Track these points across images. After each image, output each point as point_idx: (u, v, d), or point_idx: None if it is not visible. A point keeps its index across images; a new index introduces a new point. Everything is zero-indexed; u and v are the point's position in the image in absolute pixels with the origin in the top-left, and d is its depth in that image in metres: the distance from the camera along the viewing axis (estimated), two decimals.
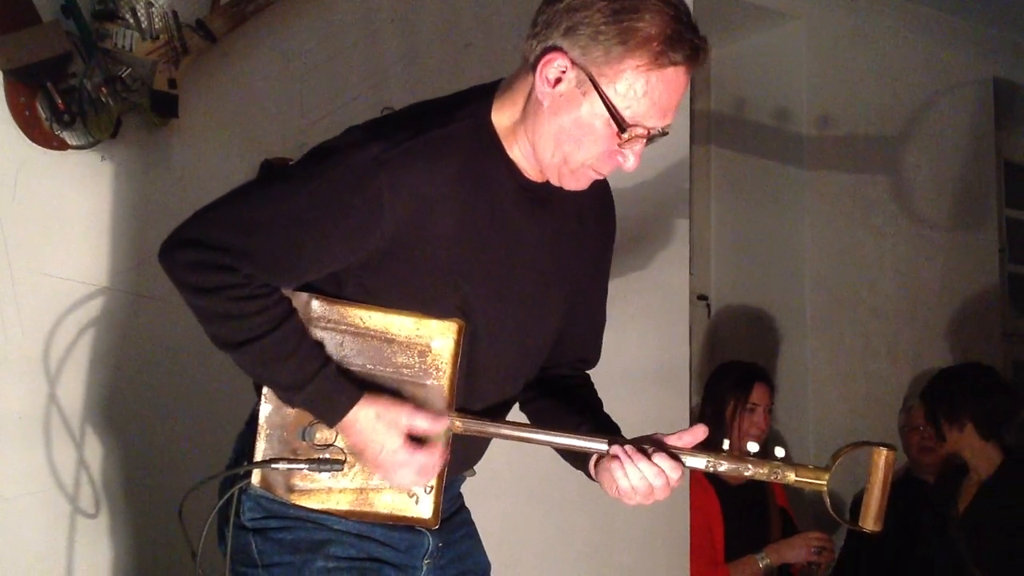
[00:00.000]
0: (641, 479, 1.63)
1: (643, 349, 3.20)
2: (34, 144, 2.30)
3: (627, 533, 3.18)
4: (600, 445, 1.68)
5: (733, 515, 3.49)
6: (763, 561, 3.45)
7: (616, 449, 1.65)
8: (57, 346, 2.35)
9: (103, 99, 2.33)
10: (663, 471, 1.63)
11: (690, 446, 1.67)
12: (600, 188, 1.85)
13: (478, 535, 1.91)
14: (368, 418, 1.59)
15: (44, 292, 2.34)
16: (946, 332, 4.52)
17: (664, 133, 1.62)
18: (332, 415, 1.60)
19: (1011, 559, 3.36)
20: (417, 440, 1.62)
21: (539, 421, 1.86)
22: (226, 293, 1.54)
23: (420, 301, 1.64)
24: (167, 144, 2.48)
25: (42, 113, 2.30)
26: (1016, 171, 5.18)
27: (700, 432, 1.68)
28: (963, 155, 4.67)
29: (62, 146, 2.33)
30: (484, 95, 1.70)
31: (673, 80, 1.56)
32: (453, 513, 1.86)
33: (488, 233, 1.66)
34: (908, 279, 4.46)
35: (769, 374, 3.76)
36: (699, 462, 1.67)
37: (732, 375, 3.66)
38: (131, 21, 2.37)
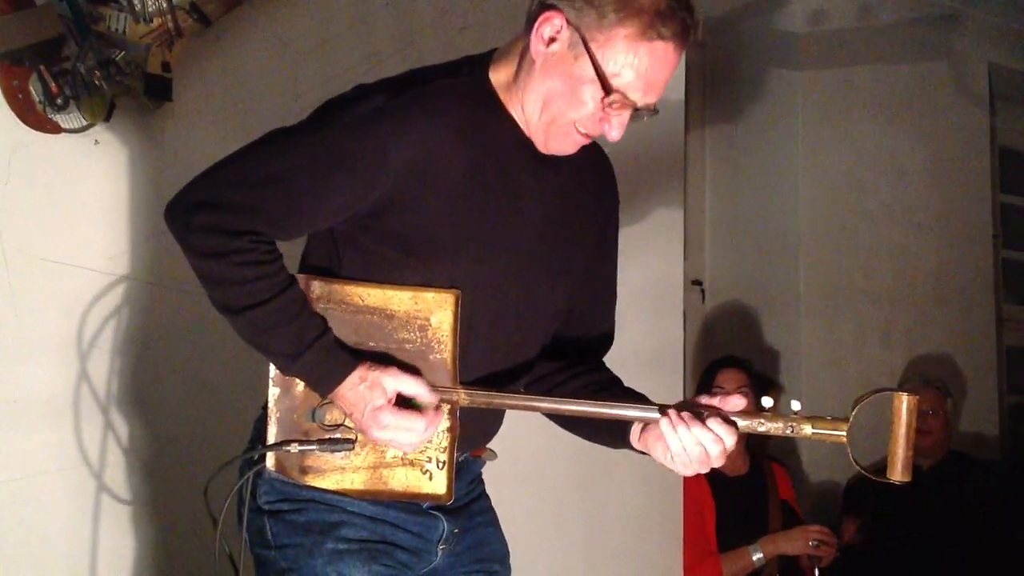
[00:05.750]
0: (696, 444, 1.60)
1: (637, 334, 3.20)
2: (27, 128, 2.29)
3: (620, 519, 3.18)
4: (651, 413, 1.64)
5: (728, 506, 3.46)
6: (756, 553, 3.42)
7: (672, 415, 1.62)
8: (47, 328, 2.35)
9: (96, 82, 2.32)
10: (720, 438, 1.61)
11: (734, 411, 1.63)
12: (601, 164, 1.86)
13: (498, 522, 1.89)
14: (352, 382, 1.60)
15: (37, 276, 2.33)
16: (940, 318, 4.53)
17: (654, 112, 1.62)
18: (327, 384, 1.60)
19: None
20: (410, 406, 1.62)
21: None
22: (232, 258, 1.55)
23: (422, 256, 1.64)
24: (161, 127, 2.48)
25: (35, 96, 2.28)
26: (1011, 157, 5.16)
27: (740, 402, 1.65)
28: (958, 140, 4.67)
29: (55, 130, 2.32)
30: (481, 58, 1.73)
31: (661, 55, 1.57)
32: (472, 500, 1.85)
33: (494, 184, 1.66)
34: (902, 264, 4.46)
35: (742, 360, 3.73)
36: None
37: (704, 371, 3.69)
38: (124, 4, 2.36)
